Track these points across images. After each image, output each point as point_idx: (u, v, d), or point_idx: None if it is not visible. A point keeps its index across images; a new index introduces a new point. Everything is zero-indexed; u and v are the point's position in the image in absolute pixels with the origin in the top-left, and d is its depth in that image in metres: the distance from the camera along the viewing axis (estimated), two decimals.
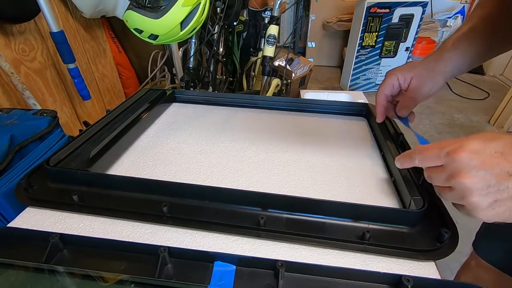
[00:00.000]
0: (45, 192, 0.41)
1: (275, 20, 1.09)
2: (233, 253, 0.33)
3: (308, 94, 1.86)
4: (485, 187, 0.27)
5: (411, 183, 0.40)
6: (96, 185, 0.41)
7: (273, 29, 1.08)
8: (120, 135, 0.51)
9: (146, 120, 0.60)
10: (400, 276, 0.29)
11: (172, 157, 0.50)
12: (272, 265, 0.30)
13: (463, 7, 2.66)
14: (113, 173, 0.46)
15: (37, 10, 1.03)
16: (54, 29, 1.04)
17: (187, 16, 0.58)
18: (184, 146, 0.53)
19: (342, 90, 2.55)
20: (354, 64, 2.40)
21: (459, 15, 2.61)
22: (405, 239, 0.35)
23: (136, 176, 0.43)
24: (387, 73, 0.49)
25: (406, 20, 2.21)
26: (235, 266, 0.31)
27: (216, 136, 0.57)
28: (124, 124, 0.53)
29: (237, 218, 0.37)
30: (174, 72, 1.56)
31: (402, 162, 0.36)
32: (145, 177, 0.41)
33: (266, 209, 0.38)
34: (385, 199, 0.42)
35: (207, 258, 0.31)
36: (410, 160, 0.35)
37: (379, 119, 0.53)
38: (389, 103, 0.52)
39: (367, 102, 0.68)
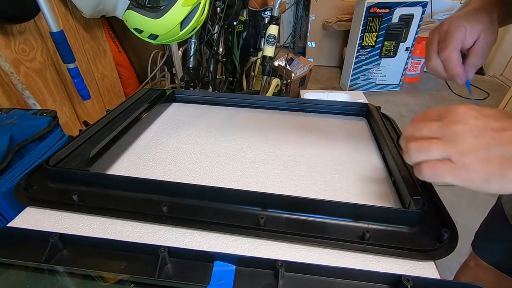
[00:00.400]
0: (44, 192, 0.41)
1: (275, 20, 1.09)
2: (233, 253, 0.33)
3: (308, 94, 1.86)
4: (479, 136, 0.27)
5: (411, 183, 0.40)
6: (96, 185, 0.41)
7: (273, 29, 1.08)
8: (120, 135, 0.51)
9: (146, 120, 0.60)
10: (400, 276, 0.29)
11: (172, 157, 0.50)
12: (272, 265, 0.30)
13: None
14: (113, 173, 0.46)
15: (37, 10, 1.03)
16: (54, 29, 1.04)
17: (187, 16, 0.58)
18: (184, 146, 0.53)
19: (342, 90, 2.56)
20: (354, 64, 2.40)
21: None
22: (405, 239, 0.35)
23: (136, 176, 0.43)
24: (452, 25, 0.41)
25: (406, 20, 2.21)
26: (234, 266, 0.31)
27: (216, 136, 0.57)
28: (124, 124, 0.53)
29: (237, 218, 0.37)
30: (174, 72, 1.56)
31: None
32: (145, 177, 0.41)
33: (266, 209, 0.38)
34: (385, 199, 0.42)
35: (207, 258, 0.31)
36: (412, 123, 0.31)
37: (463, 80, 0.42)
38: (439, 63, 0.43)
39: (367, 102, 0.68)
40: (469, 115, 0.28)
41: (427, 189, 0.42)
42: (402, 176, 0.41)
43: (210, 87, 1.31)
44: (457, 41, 0.40)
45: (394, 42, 2.30)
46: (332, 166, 0.48)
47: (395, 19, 2.20)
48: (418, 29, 2.26)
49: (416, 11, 2.18)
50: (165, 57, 1.71)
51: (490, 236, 0.57)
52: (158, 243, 0.33)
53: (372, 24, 2.21)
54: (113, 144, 0.49)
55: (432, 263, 0.33)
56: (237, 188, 0.39)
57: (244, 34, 1.53)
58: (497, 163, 0.26)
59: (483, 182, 0.27)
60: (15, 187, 0.41)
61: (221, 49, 1.42)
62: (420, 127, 0.30)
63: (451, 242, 0.34)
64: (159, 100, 0.65)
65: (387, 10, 2.16)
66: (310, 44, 2.97)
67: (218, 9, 1.11)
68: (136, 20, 0.58)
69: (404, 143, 0.31)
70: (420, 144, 0.30)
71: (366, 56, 2.36)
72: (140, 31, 0.59)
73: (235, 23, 1.42)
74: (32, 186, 0.41)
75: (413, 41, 2.30)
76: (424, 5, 2.16)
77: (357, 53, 2.34)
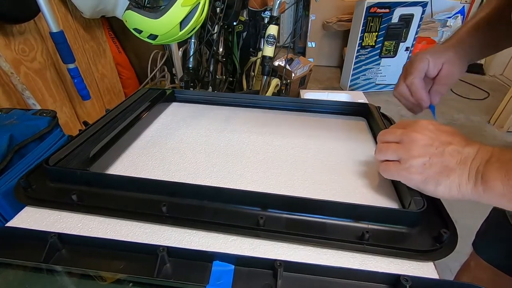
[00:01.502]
0: (44, 191, 0.41)
1: (274, 20, 1.09)
2: (232, 253, 0.33)
3: (308, 94, 1.87)
4: (428, 145, 0.34)
5: None
6: (96, 184, 0.41)
7: (272, 29, 1.08)
8: (119, 135, 0.51)
9: (146, 120, 0.60)
10: (399, 276, 0.29)
11: (171, 156, 0.50)
12: (270, 265, 0.30)
13: (463, 7, 2.66)
14: (112, 173, 0.46)
15: (37, 10, 1.03)
16: (54, 29, 1.04)
17: (186, 16, 0.58)
18: (184, 146, 0.53)
19: (342, 90, 2.55)
20: (354, 64, 2.40)
21: (459, 15, 2.60)
22: (405, 240, 0.34)
23: (135, 175, 0.43)
24: (416, 56, 0.46)
25: (406, 20, 2.21)
26: (233, 266, 0.31)
27: (215, 136, 0.57)
28: (124, 123, 0.53)
29: (236, 218, 0.37)
30: (173, 72, 1.56)
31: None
32: (144, 177, 0.41)
33: (265, 209, 0.38)
34: (385, 199, 0.42)
35: (206, 258, 0.31)
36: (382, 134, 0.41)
37: (426, 105, 0.48)
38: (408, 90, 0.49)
39: (367, 102, 0.68)
40: (427, 127, 0.35)
41: None
42: None
43: (210, 87, 1.31)
44: (420, 69, 0.46)
45: (394, 42, 2.30)
46: (332, 166, 0.48)
47: (395, 19, 2.20)
48: (418, 29, 2.26)
49: (416, 11, 2.18)
50: (165, 57, 1.72)
51: (491, 236, 0.57)
52: (157, 243, 0.33)
53: (372, 24, 2.21)
54: (112, 143, 0.49)
55: (431, 263, 0.33)
56: (236, 188, 0.39)
57: (244, 34, 1.53)
58: (435, 169, 0.33)
59: (421, 183, 0.34)
60: (14, 187, 0.41)
61: (221, 49, 1.42)
62: (388, 133, 0.39)
63: (451, 243, 0.34)
64: (159, 99, 0.65)
65: (387, 10, 2.16)
66: (310, 44, 2.97)
67: (218, 9, 1.11)
68: (136, 20, 0.58)
69: (377, 145, 0.40)
70: (382, 147, 0.38)
71: (366, 56, 2.36)
72: (140, 31, 0.59)
73: (234, 23, 1.42)
74: (32, 185, 0.41)
75: (413, 41, 2.30)
76: (424, 5, 2.16)
77: (357, 53, 2.34)
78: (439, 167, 0.33)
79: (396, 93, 0.51)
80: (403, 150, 0.35)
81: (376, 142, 0.55)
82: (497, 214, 0.54)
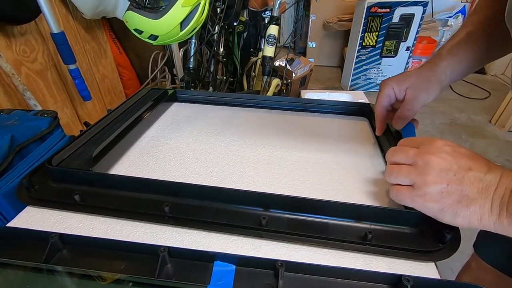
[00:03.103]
0: (46, 191, 0.41)
1: (275, 20, 1.09)
2: (233, 253, 0.33)
3: (309, 94, 1.86)
4: (446, 170, 0.30)
5: None
6: (98, 185, 0.41)
7: (273, 29, 1.08)
8: (122, 135, 0.51)
9: (148, 120, 0.60)
10: (400, 276, 0.29)
11: (172, 156, 0.50)
12: (272, 265, 0.30)
13: (464, 6, 2.66)
14: (115, 173, 0.46)
15: (38, 11, 1.03)
16: (55, 30, 1.04)
17: (187, 17, 0.58)
18: (185, 146, 0.53)
19: (343, 90, 2.55)
20: (355, 64, 2.40)
21: (459, 14, 2.60)
22: (407, 240, 0.34)
23: (137, 175, 0.43)
24: (381, 83, 0.49)
25: (407, 19, 2.21)
26: (234, 266, 0.31)
27: (216, 135, 0.57)
28: (126, 123, 0.53)
29: (238, 218, 0.37)
30: (174, 72, 1.56)
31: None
32: (147, 177, 0.41)
33: (268, 209, 0.38)
34: (387, 199, 0.42)
35: (207, 258, 0.31)
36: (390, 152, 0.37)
37: (378, 132, 0.52)
38: (389, 113, 0.51)
39: (368, 102, 0.68)
40: (444, 149, 0.31)
41: None
42: None
43: (211, 87, 1.32)
44: (383, 98, 0.48)
45: (394, 41, 2.30)
46: (333, 166, 0.48)
47: (395, 18, 2.19)
48: (419, 29, 2.26)
49: (417, 10, 2.18)
50: (165, 58, 1.72)
51: (492, 237, 0.57)
52: (158, 243, 0.33)
53: (373, 24, 2.21)
54: (115, 144, 0.49)
55: (433, 263, 0.33)
56: (238, 188, 0.39)
57: (245, 34, 1.53)
58: (453, 198, 0.30)
59: (437, 212, 0.31)
60: (17, 187, 0.41)
61: (221, 50, 1.42)
62: (399, 153, 0.35)
63: (453, 243, 0.34)
64: (161, 99, 0.65)
65: (388, 10, 2.15)
66: (311, 44, 2.97)
67: (218, 9, 1.11)
68: (136, 21, 0.58)
69: (387, 165, 0.36)
70: (393, 169, 0.34)
71: (366, 56, 2.36)
72: (140, 32, 0.59)
73: (235, 24, 1.42)
74: (34, 185, 0.41)
75: (414, 40, 2.30)
76: (424, 5, 2.15)
77: (357, 53, 2.34)
78: (458, 196, 0.29)
79: None
80: (417, 175, 0.31)
81: (378, 142, 0.55)
82: None
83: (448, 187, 0.30)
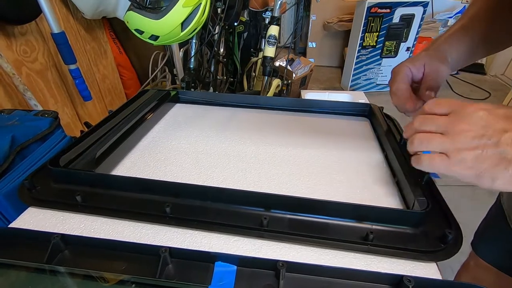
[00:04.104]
0: (48, 192, 0.41)
1: (275, 21, 1.09)
2: (234, 253, 0.33)
3: (309, 94, 1.87)
4: (479, 136, 0.29)
5: (415, 183, 0.40)
6: (100, 185, 0.41)
7: (273, 30, 1.09)
8: (124, 136, 0.51)
9: (151, 121, 0.60)
10: (401, 276, 0.29)
11: (174, 157, 0.50)
12: (273, 266, 0.30)
13: (464, 6, 2.65)
14: (116, 174, 0.46)
15: (38, 11, 1.03)
16: (55, 30, 1.04)
17: (187, 17, 0.58)
18: (187, 147, 0.53)
19: (343, 90, 2.55)
20: (355, 64, 2.40)
21: (460, 15, 2.60)
22: (409, 240, 0.34)
23: (139, 176, 0.43)
24: (394, 69, 0.46)
25: (407, 20, 2.21)
26: (236, 267, 0.31)
27: (218, 136, 0.57)
28: (129, 125, 0.53)
29: (240, 219, 0.37)
30: (175, 72, 1.56)
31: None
32: (149, 178, 0.41)
33: (269, 209, 0.38)
34: (388, 200, 0.42)
35: (208, 259, 0.31)
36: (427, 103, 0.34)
37: (410, 105, 0.45)
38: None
39: (368, 102, 0.68)
40: (476, 115, 0.29)
41: (431, 189, 0.42)
42: (405, 176, 0.41)
43: (211, 87, 1.32)
44: (403, 76, 0.45)
45: (395, 42, 2.30)
46: (334, 167, 0.48)
47: (396, 19, 2.19)
48: (419, 29, 2.26)
49: (417, 11, 2.17)
50: (166, 58, 1.72)
51: (489, 235, 0.57)
52: (159, 244, 0.33)
53: (373, 24, 2.21)
54: (118, 145, 0.49)
55: (434, 263, 0.33)
56: (239, 188, 0.39)
57: (245, 34, 1.53)
58: (490, 162, 0.28)
59: (475, 178, 0.30)
60: (18, 188, 0.41)
61: (222, 50, 1.42)
62: (428, 121, 0.33)
63: (455, 243, 0.34)
64: (163, 100, 0.65)
65: (388, 10, 2.15)
66: (311, 45, 2.97)
67: (219, 9, 1.11)
68: (137, 21, 0.58)
69: (410, 132, 0.34)
70: (423, 137, 0.32)
71: (367, 56, 2.36)
72: (141, 32, 0.59)
73: (235, 24, 1.42)
74: (36, 186, 0.41)
75: (414, 41, 2.30)
76: (425, 5, 2.15)
77: (358, 53, 2.34)
78: (496, 160, 0.28)
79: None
80: (450, 143, 0.30)
81: (379, 142, 0.55)
82: (495, 214, 0.54)
83: (483, 152, 0.28)
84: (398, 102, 0.46)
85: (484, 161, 0.29)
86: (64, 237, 0.32)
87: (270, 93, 1.28)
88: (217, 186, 0.39)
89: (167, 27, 0.58)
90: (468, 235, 0.58)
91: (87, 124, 0.56)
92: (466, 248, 0.42)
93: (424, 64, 0.45)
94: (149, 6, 0.59)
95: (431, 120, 0.32)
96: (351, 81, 2.48)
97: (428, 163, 0.32)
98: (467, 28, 0.45)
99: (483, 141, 0.29)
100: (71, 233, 0.35)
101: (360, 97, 1.89)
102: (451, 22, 2.55)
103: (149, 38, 0.60)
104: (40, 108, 1.10)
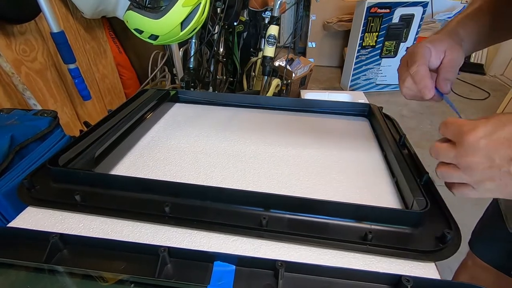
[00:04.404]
0: (47, 192, 0.41)
1: (275, 20, 1.09)
2: (233, 253, 0.33)
3: (309, 94, 1.87)
4: (488, 167, 0.29)
5: (414, 183, 0.40)
6: (100, 185, 0.41)
7: (273, 29, 1.08)
8: (124, 136, 0.51)
9: (150, 120, 0.60)
10: (400, 276, 0.29)
11: (173, 157, 0.50)
12: (271, 265, 0.30)
13: (464, 7, 2.65)
14: (116, 173, 0.46)
15: (38, 10, 1.03)
16: (55, 29, 1.04)
17: (187, 17, 0.58)
18: (186, 146, 0.53)
19: (343, 90, 2.55)
20: (355, 64, 2.40)
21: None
22: (408, 240, 0.34)
23: (138, 176, 0.43)
24: (412, 47, 0.44)
25: (407, 20, 2.21)
26: (234, 266, 0.31)
27: (217, 136, 0.57)
28: (128, 124, 0.53)
29: (239, 218, 0.37)
30: (174, 72, 1.56)
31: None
32: (148, 177, 0.41)
33: (268, 209, 0.38)
34: (387, 200, 0.42)
35: (207, 258, 0.31)
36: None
37: (431, 93, 0.42)
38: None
39: (367, 102, 0.68)
40: (478, 147, 0.29)
41: (430, 189, 0.42)
42: (404, 176, 0.41)
43: (211, 87, 1.31)
44: (423, 56, 0.42)
45: (394, 42, 2.30)
46: (334, 167, 0.48)
47: (395, 19, 2.20)
48: (419, 29, 2.26)
49: (417, 11, 2.18)
50: (165, 58, 1.72)
51: (487, 234, 0.57)
52: (158, 243, 0.33)
53: (373, 24, 2.21)
54: (117, 144, 0.50)
55: (433, 263, 0.33)
56: (238, 188, 0.39)
57: (245, 34, 1.53)
58: (502, 186, 0.29)
59: (508, 196, 0.30)
60: (18, 187, 0.41)
61: (221, 50, 1.42)
62: (440, 154, 0.33)
63: (454, 243, 0.34)
64: (163, 100, 0.65)
65: (388, 10, 2.15)
66: (311, 44, 2.97)
67: (219, 9, 1.11)
68: (137, 21, 0.58)
69: (437, 165, 0.34)
70: (444, 171, 0.33)
71: (366, 56, 2.36)
72: (141, 32, 0.59)
73: (235, 24, 1.42)
74: (35, 186, 0.41)
75: (414, 41, 2.30)
76: (424, 5, 2.15)
77: (357, 53, 2.34)
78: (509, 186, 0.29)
79: (403, 89, 0.45)
80: (468, 177, 0.31)
81: (378, 142, 0.55)
82: (491, 214, 0.54)
83: (501, 181, 0.29)
84: (416, 87, 0.43)
85: (507, 186, 0.29)
86: (63, 237, 0.32)
87: (270, 93, 1.28)
88: (216, 186, 0.39)
89: (166, 26, 0.58)
90: (467, 235, 0.58)
91: (86, 123, 0.56)
92: (464, 248, 0.43)
93: (445, 50, 0.42)
94: (148, 5, 0.59)
95: (441, 153, 0.33)
96: (351, 81, 2.48)
97: (460, 193, 0.33)
98: (481, 11, 0.44)
99: (494, 171, 0.29)
100: (70, 233, 0.35)
101: (359, 97, 1.89)
102: None
103: (148, 37, 0.60)
104: (39, 107, 1.09)
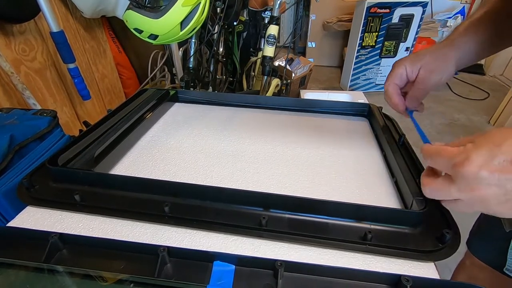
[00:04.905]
0: (47, 191, 0.41)
1: (275, 20, 1.09)
2: (233, 253, 0.33)
3: (308, 94, 1.87)
4: (502, 195, 0.26)
5: (413, 183, 0.40)
6: (99, 185, 0.41)
7: (273, 29, 1.08)
8: (123, 135, 0.51)
9: (150, 120, 0.60)
10: (400, 276, 0.29)
11: (173, 156, 0.50)
12: (271, 265, 0.30)
13: (463, 7, 2.66)
14: (115, 173, 0.46)
15: (37, 10, 1.03)
16: (54, 29, 1.04)
17: (187, 16, 0.58)
18: (185, 146, 0.53)
19: (342, 90, 2.56)
20: (354, 64, 2.40)
21: (459, 15, 2.60)
22: (407, 240, 0.34)
23: (138, 175, 0.43)
24: (394, 63, 0.47)
25: (406, 20, 2.21)
26: (234, 266, 0.31)
27: (217, 135, 0.57)
28: (128, 124, 0.53)
29: (238, 218, 0.37)
30: (174, 72, 1.56)
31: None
32: (147, 177, 0.41)
33: (268, 209, 0.38)
34: (387, 200, 0.42)
35: (207, 258, 0.31)
36: (425, 158, 0.33)
37: (401, 109, 0.47)
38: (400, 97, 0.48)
39: (367, 102, 0.68)
40: (481, 177, 0.26)
41: None
42: (404, 176, 0.41)
43: (210, 87, 1.31)
44: (393, 76, 0.46)
45: (394, 42, 2.30)
46: (333, 167, 0.48)
47: (395, 19, 2.20)
48: (419, 29, 2.26)
49: (416, 11, 2.18)
50: (165, 57, 1.71)
51: (484, 234, 0.57)
52: (158, 243, 0.33)
53: (372, 24, 2.21)
54: (117, 144, 0.49)
55: (432, 263, 0.33)
56: (238, 188, 0.39)
57: (244, 34, 1.53)
58: None
59: None
60: (17, 187, 0.41)
61: (221, 49, 1.42)
62: (439, 193, 0.30)
63: (453, 243, 0.34)
64: (163, 100, 0.65)
65: (387, 10, 2.16)
66: (310, 44, 2.97)
67: (218, 9, 1.11)
68: (136, 20, 0.58)
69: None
70: (452, 206, 0.30)
71: (366, 56, 2.36)
72: (140, 31, 0.59)
73: (235, 23, 1.42)
74: (34, 185, 0.41)
75: (414, 41, 2.30)
76: (424, 5, 2.16)
77: (357, 53, 2.34)
78: None
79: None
80: (481, 208, 0.28)
81: (378, 142, 0.55)
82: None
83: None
84: (387, 101, 0.48)
85: None
86: (62, 236, 0.32)
87: (270, 93, 1.28)
88: (216, 185, 0.39)
89: (166, 26, 0.58)
90: (466, 235, 0.58)
91: (86, 123, 0.56)
92: (463, 247, 0.43)
93: (419, 68, 0.45)
94: (148, 5, 0.59)
95: (440, 192, 0.30)
96: (350, 81, 2.48)
97: (471, 211, 0.30)
98: (490, 15, 0.43)
99: (509, 202, 0.26)
100: (70, 232, 0.35)
101: (359, 97, 1.89)
102: (450, 22, 2.55)
103: (148, 37, 0.59)
104: (38, 107, 1.09)
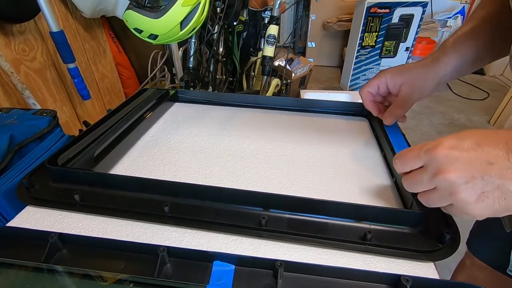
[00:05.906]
0: (47, 191, 0.40)
1: (275, 20, 1.09)
2: (233, 253, 0.33)
3: (308, 94, 1.87)
4: (470, 179, 0.27)
5: None
6: (99, 185, 0.41)
7: (273, 29, 1.09)
8: (123, 135, 0.51)
9: (150, 120, 0.60)
10: (399, 276, 0.29)
11: (172, 156, 0.50)
12: (271, 265, 0.30)
13: (463, 7, 2.66)
14: (115, 173, 0.46)
15: (37, 10, 1.03)
16: (54, 29, 1.04)
17: (187, 16, 0.58)
18: (185, 146, 0.53)
19: (342, 90, 2.56)
20: (354, 64, 2.40)
21: (459, 15, 2.61)
22: (407, 240, 0.34)
23: (137, 175, 0.43)
24: (379, 72, 0.49)
25: (406, 20, 2.21)
26: (234, 266, 0.31)
27: (217, 135, 0.57)
28: (127, 123, 0.53)
29: (238, 218, 0.37)
30: (174, 72, 1.56)
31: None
32: (147, 177, 0.41)
33: (267, 209, 0.38)
34: (387, 200, 0.42)
35: (206, 258, 0.31)
36: (396, 167, 0.34)
37: (375, 113, 0.53)
38: (379, 104, 0.53)
39: None
40: (451, 159, 0.28)
41: None
42: None
43: (210, 87, 1.31)
44: (371, 85, 0.50)
45: (394, 42, 2.30)
46: (333, 167, 0.48)
47: (395, 19, 2.20)
48: (418, 29, 2.26)
49: (416, 11, 2.18)
50: (165, 57, 1.71)
51: (484, 234, 0.57)
52: (158, 243, 0.33)
53: (372, 24, 2.21)
54: (116, 144, 0.49)
55: (432, 263, 0.33)
56: (237, 187, 0.39)
57: (244, 34, 1.53)
58: (495, 197, 0.27)
59: (493, 214, 0.28)
60: (17, 187, 0.41)
61: (221, 49, 1.42)
62: (414, 184, 0.32)
63: (453, 243, 0.34)
64: (162, 100, 0.65)
65: (387, 10, 2.16)
66: (310, 44, 2.98)
67: (218, 9, 1.11)
68: (136, 20, 0.58)
69: (418, 195, 0.33)
70: (425, 198, 0.32)
71: (366, 56, 2.37)
72: (140, 31, 0.59)
73: (235, 23, 1.42)
74: (34, 185, 0.41)
75: (413, 41, 2.30)
76: (424, 5, 2.16)
77: (357, 53, 2.34)
78: (500, 193, 0.26)
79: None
80: (450, 197, 0.28)
81: (378, 142, 0.55)
82: None
83: (485, 194, 0.27)
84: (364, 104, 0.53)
85: (490, 199, 0.27)
86: (62, 236, 0.32)
87: (269, 93, 1.28)
88: (216, 185, 0.39)
89: (166, 26, 0.58)
90: (466, 235, 0.58)
91: (85, 123, 0.56)
92: (463, 247, 0.43)
93: (401, 85, 0.47)
94: (148, 5, 0.59)
95: (414, 181, 0.31)
96: (350, 81, 2.48)
97: (448, 212, 0.31)
98: (477, 31, 0.44)
99: (477, 184, 0.27)
100: (69, 232, 0.35)
101: (359, 97, 1.89)
102: (450, 22, 2.56)
103: (148, 37, 0.59)
104: (38, 107, 1.09)
